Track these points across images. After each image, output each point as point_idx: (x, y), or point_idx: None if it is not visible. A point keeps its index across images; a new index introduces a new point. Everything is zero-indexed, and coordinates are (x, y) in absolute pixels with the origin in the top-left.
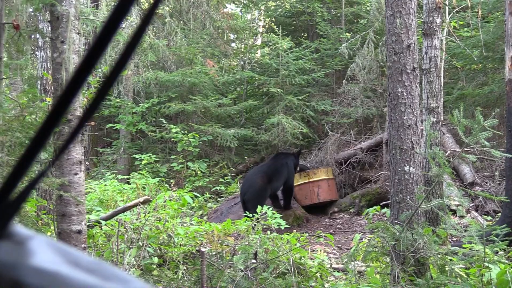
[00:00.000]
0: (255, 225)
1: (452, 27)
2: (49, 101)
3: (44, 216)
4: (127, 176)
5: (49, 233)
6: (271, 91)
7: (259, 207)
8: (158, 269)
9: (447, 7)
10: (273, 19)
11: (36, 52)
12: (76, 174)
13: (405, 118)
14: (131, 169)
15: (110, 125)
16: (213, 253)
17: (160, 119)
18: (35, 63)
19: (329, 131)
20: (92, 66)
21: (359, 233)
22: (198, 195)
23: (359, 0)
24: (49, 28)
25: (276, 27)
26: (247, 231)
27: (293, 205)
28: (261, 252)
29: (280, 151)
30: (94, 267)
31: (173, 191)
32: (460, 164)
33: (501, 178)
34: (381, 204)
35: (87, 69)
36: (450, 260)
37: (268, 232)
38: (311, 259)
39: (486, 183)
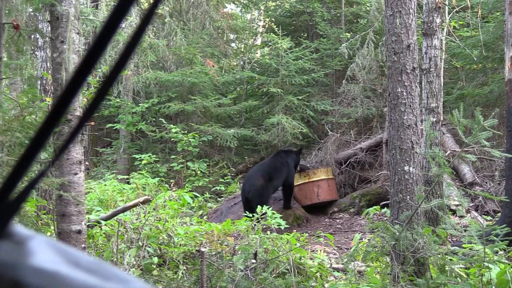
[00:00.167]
0: (255, 225)
1: (452, 27)
2: (49, 101)
3: (44, 216)
4: (127, 176)
5: (49, 233)
6: (271, 91)
7: (259, 207)
8: (158, 269)
9: (447, 7)
10: (273, 19)
11: (36, 52)
12: (76, 174)
13: (405, 118)
14: (131, 169)
15: (110, 125)
16: (213, 253)
17: (160, 119)
18: (35, 63)
19: (329, 131)
20: (92, 66)
21: (359, 233)
22: (198, 195)
23: (359, 0)
24: (49, 28)
25: (276, 27)
26: (247, 231)
27: (293, 205)
28: (261, 252)
29: (281, 149)
30: (94, 267)
31: (173, 191)
32: (460, 164)
33: (501, 178)
34: (381, 204)
35: (87, 69)
36: (450, 260)
37: (268, 232)
38: (311, 259)
39: (486, 183)
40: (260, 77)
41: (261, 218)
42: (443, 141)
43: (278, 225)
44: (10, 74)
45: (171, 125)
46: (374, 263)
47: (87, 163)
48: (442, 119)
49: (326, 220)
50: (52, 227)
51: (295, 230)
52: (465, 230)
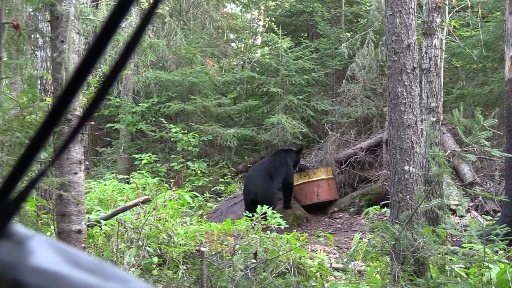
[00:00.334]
0: (255, 224)
1: (452, 27)
2: (49, 101)
3: (44, 215)
4: (127, 176)
5: (49, 233)
6: (271, 90)
7: (259, 206)
8: (158, 268)
9: (447, 7)
10: (273, 19)
11: (36, 52)
12: (76, 173)
13: (405, 117)
14: (131, 168)
15: (110, 124)
16: (213, 253)
17: (160, 118)
18: (35, 62)
19: (329, 130)
20: (92, 65)
21: (359, 233)
22: (198, 194)
23: (359, 0)
24: (49, 27)
25: (276, 27)
26: (247, 230)
27: (293, 205)
28: (261, 252)
29: (280, 148)
30: (94, 267)
31: (173, 190)
32: (460, 163)
33: (501, 178)
34: (381, 203)
35: (87, 68)
36: (450, 259)
37: (268, 232)
38: (311, 258)
39: (486, 182)
40: (260, 77)
41: (262, 218)
42: (443, 141)
43: (278, 225)
44: (10, 74)
45: (171, 125)
46: (374, 262)
47: (87, 162)
48: (442, 118)
49: (326, 219)
50: (52, 227)
51: (295, 230)
52: (465, 230)
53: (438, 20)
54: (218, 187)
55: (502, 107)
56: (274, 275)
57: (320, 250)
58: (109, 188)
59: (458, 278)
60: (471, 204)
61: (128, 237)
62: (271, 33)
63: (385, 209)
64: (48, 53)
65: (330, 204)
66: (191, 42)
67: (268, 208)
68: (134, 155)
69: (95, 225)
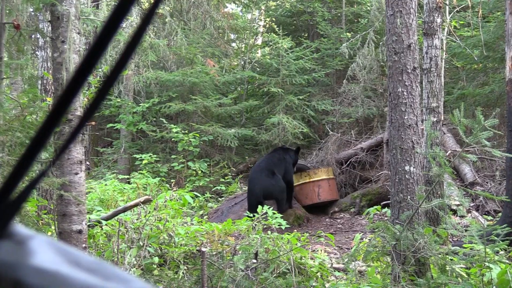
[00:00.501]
0: (255, 225)
1: (452, 27)
2: (49, 101)
3: (45, 216)
4: (128, 176)
5: (49, 233)
6: (272, 90)
7: (260, 207)
8: (158, 269)
9: (447, 7)
10: (274, 19)
11: (37, 52)
12: (76, 173)
13: (405, 117)
14: (132, 169)
15: (111, 124)
16: (214, 253)
17: (160, 118)
18: (35, 63)
19: (329, 130)
20: (92, 66)
21: (360, 233)
22: (198, 195)
23: (360, 0)
24: (50, 28)
25: (277, 27)
26: (247, 231)
27: (294, 205)
28: (262, 252)
29: (279, 146)
30: (95, 267)
31: (174, 191)
32: (461, 163)
33: (502, 178)
34: (381, 203)
35: (87, 69)
36: (451, 260)
37: (269, 232)
38: (311, 259)
39: (487, 183)
40: (261, 77)
41: (262, 218)
42: (443, 141)
43: (278, 225)
44: (10, 74)
45: (172, 125)
46: (374, 263)
47: (87, 163)
48: (442, 119)
49: (326, 220)
50: (52, 227)
51: (295, 230)
52: (465, 230)
53: (438, 20)
54: (218, 187)
55: (503, 107)
56: (275, 275)
57: (321, 250)
58: (109, 188)
59: (459, 278)
60: (472, 204)
61: (129, 237)
62: (272, 33)
63: (386, 209)
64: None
65: (331, 204)
66: (191, 42)
67: (280, 200)
68: (134, 155)
69: (96, 225)
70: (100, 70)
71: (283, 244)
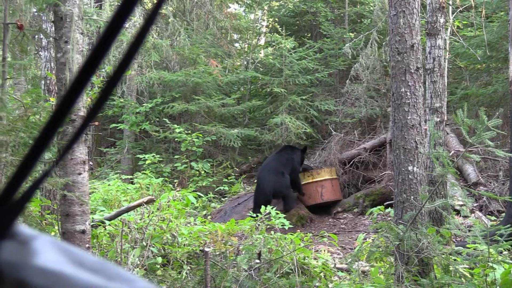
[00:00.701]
0: (258, 225)
1: (455, 27)
2: (52, 101)
3: (48, 216)
4: (131, 176)
5: (53, 233)
6: (275, 91)
7: (263, 207)
8: (162, 269)
9: (450, 7)
10: (277, 19)
11: (40, 52)
12: (80, 174)
13: (408, 118)
14: (135, 169)
15: (114, 125)
16: (217, 253)
17: (163, 119)
18: (38, 63)
19: (332, 131)
20: (95, 66)
21: (363, 233)
22: (201, 195)
23: (363, 0)
24: (53, 28)
25: (280, 27)
26: (250, 231)
27: (297, 205)
28: (265, 252)
29: (286, 145)
30: (98, 267)
31: (177, 191)
32: (464, 164)
33: (505, 178)
34: (385, 204)
35: (90, 69)
36: (454, 260)
37: (272, 232)
38: (315, 259)
39: (490, 183)
40: (264, 77)
41: (265, 218)
42: (447, 141)
43: (282, 225)
44: (14, 74)
45: (175, 125)
46: (378, 263)
47: (91, 163)
48: (446, 119)
49: (330, 220)
50: (56, 227)
51: (299, 230)
52: (469, 230)
53: (441, 20)
54: (222, 188)
55: (506, 107)
56: (278, 275)
57: (324, 251)
58: (113, 189)
59: (462, 279)
60: (475, 205)
61: (132, 238)
62: (275, 34)
63: (389, 209)
64: (52, 53)
65: (334, 205)
66: (194, 42)
67: (288, 198)
68: (138, 156)
69: (99, 225)
70: (103, 70)
71: (286, 244)
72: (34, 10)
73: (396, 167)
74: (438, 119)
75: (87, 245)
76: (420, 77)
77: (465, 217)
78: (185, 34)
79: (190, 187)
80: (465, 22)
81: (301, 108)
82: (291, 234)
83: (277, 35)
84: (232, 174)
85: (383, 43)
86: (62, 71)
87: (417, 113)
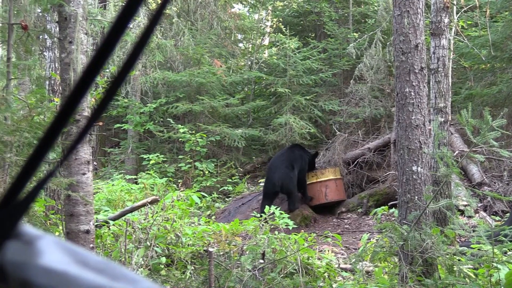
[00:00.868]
0: (262, 225)
1: (460, 27)
2: (57, 102)
3: (53, 216)
4: (135, 176)
5: (57, 233)
6: (279, 91)
7: (267, 207)
8: (166, 269)
9: (455, 7)
10: (281, 19)
11: (44, 53)
12: (84, 174)
13: (413, 118)
14: (139, 169)
15: (118, 125)
16: (221, 253)
17: (167, 119)
18: (43, 63)
19: (336, 131)
20: (100, 66)
21: (367, 233)
22: (205, 195)
23: (367, 0)
24: (57, 28)
25: (284, 27)
26: (254, 231)
27: (301, 205)
28: (269, 252)
29: (295, 143)
30: (103, 267)
31: (181, 191)
32: (468, 164)
33: (510, 178)
34: (389, 204)
35: (95, 69)
36: (459, 260)
37: (276, 232)
38: (319, 259)
39: (495, 183)
40: (268, 77)
41: (269, 218)
42: (451, 141)
43: (285, 225)
44: (18, 75)
45: (179, 125)
46: (382, 263)
47: (95, 163)
48: (450, 119)
49: (334, 220)
50: (60, 227)
51: (303, 230)
52: (473, 231)
53: (446, 20)
54: (226, 188)
55: (511, 107)
56: (282, 275)
57: (328, 251)
58: (117, 189)
59: (466, 279)
60: (479, 205)
61: (136, 238)
62: (279, 34)
63: (393, 209)
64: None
65: (338, 205)
66: (198, 42)
67: (293, 196)
68: (142, 156)
69: (103, 225)
70: (107, 70)
71: (290, 244)
72: (39, 10)
73: (400, 167)
74: (443, 119)
75: (91, 245)
76: (425, 77)
77: (470, 217)
78: (189, 34)
79: (194, 187)
80: (469, 22)
81: (305, 108)
82: (295, 234)
83: (281, 35)
84: (236, 174)
85: (387, 43)
86: (66, 72)
87: (421, 113)
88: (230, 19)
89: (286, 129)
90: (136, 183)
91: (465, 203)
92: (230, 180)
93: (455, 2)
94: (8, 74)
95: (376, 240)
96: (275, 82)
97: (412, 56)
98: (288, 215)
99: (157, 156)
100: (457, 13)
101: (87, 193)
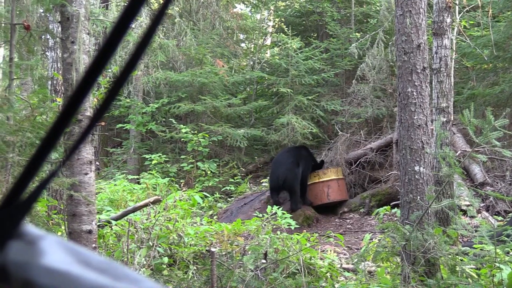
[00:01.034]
0: (265, 225)
1: (462, 27)
2: (59, 102)
3: (55, 216)
4: (137, 176)
5: (59, 233)
6: (281, 91)
7: (269, 207)
8: (168, 269)
9: (457, 7)
10: (283, 19)
11: (47, 53)
12: (86, 174)
13: (415, 118)
14: (141, 169)
15: (120, 125)
16: (223, 253)
17: (170, 119)
18: (45, 63)
19: (339, 131)
20: (102, 66)
21: (369, 233)
22: (208, 195)
23: (369, 0)
24: (59, 28)
25: (286, 27)
26: (257, 231)
27: (303, 205)
28: (271, 252)
29: (302, 144)
30: (105, 267)
31: (183, 191)
32: (471, 164)
33: None
34: (391, 204)
35: (97, 69)
36: (461, 260)
37: (278, 232)
38: (321, 259)
39: (497, 183)
40: (270, 77)
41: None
42: (453, 141)
43: (288, 225)
44: (21, 75)
45: (181, 125)
46: (384, 263)
47: (97, 163)
48: (452, 119)
49: (336, 220)
50: (62, 227)
51: (305, 230)
52: (476, 231)
53: (448, 20)
54: (228, 188)
55: None
56: (284, 275)
57: (330, 251)
58: (119, 189)
59: (469, 279)
60: (482, 205)
61: (139, 238)
62: (281, 34)
63: (396, 209)
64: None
65: (340, 205)
66: (201, 42)
67: (295, 194)
68: (144, 156)
69: (106, 225)
70: (109, 70)
71: (292, 244)
72: (41, 10)
73: (403, 167)
74: (445, 119)
75: (93, 245)
76: (427, 77)
77: (472, 217)
78: (191, 34)
79: (196, 187)
80: (471, 22)
81: (307, 108)
82: (297, 234)
83: (283, 35)
84: (238, 174)
85: (390, 43)
86: (68, 72)
87: (424, 113)
88: (232, 19)
89: (288, 129)
90: (138, 183)
91: (467, 203)
92: (232, 180)
93: (457, 2)
94: (10, 74)
95: (378, 240)
96: (277, 82)
97: (414, 56)
98: (290, 215)
99: (159, 156)
100: (459, 13)
101: (90, 193)
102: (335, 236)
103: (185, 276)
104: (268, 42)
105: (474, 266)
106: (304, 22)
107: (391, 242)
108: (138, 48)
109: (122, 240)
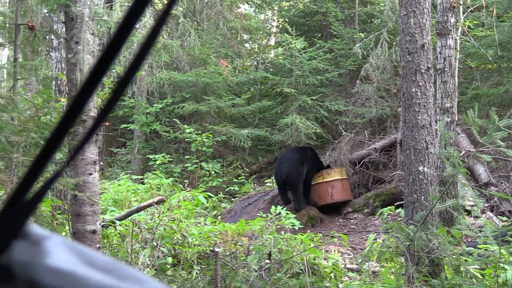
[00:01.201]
0: (269, 225)
1: (466, 27)
2: (63, 102)
3: (59, 216)
4: (141, 176)
5: (64, 233)
6: (285, 91)
7: (273, 207)
8: (172, 269)
9: (461, 7)
10: (287, 19)
11: (51, 53)
12: (90, 174)
13: (419, 118)
14: (145, 169)
15: (124, 125)
16: (227, 253)
17: (174, 119)
18: (49, 63)
19: (343, 131)
20: (106, 67)
21: (373, 233)
22: (212, 195)
23: (373, 0)
24: (64, 29)
25: (290, 27)
26: (261, 231)
27: (307, 205)
28: (275, 252)
29: (309, 146)
30: (109, 267)
31: (187, 191)
32: (475, 164)
33: None
34: (395, 204)
35: (101, 70)
36: (465, 260)
37: (282, 232)
38: (325, 259)
39: (501, 183)
40: (274, 77)
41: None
42: (457, 141)
43: (292, 225)
44: (25, 75)
45: (185, 126)
46: (388, 263)
47: (101, 163)
48: (456, 119)
49: (340, 220)
50: (67, 227)
51: (309, 230)
52: (480, 231)
53: (452, 20)
54: (232, 188)
55: None
56: (288, 275)
57: (334, 251)
58: (123, 189)
59: (473, 279)
60: (486, 205)
61: (143, 238)
62: (285, 34)
63: (400, 209)
64: (63, 54)
65: (344, 205)
66: (205, 42)
67: (297, 192)
68: (148, 156)
69: (110, 225)
70: (114, 71)
71: (296, 244)
72: (45, 11)
73: (407, 167)
74: (449, 119)
75: (97, 245)
76: (431, 77)
77: (476, 217)
78: (195, 35)
79: (200, 187)
80: (476, 22)
81: (311, 108)
82: (301, 234)
83: (287, 35)
84: (242, 174)
85: (394, 43)
86: (72, 72)
87: (428, 113)
88: (236, 19)
89: (292, 129)
90: (142, 183)
91: (471, 203)
92: (236, 180)
93: (461, 2)
94: (15, 75)
95: (383, 240)
96: (281, 82)
97: (418, 56)
98: (294, 215)
99: (163, 156)
100: (463, 13)
101: (94, 193)
102: (339, 236)
103: (189, 276)
104: (272, 42)
105: (478, 267)
106: (308, 22)
107: (395, 242)
108: (142, 48)
109: (126, 240)
